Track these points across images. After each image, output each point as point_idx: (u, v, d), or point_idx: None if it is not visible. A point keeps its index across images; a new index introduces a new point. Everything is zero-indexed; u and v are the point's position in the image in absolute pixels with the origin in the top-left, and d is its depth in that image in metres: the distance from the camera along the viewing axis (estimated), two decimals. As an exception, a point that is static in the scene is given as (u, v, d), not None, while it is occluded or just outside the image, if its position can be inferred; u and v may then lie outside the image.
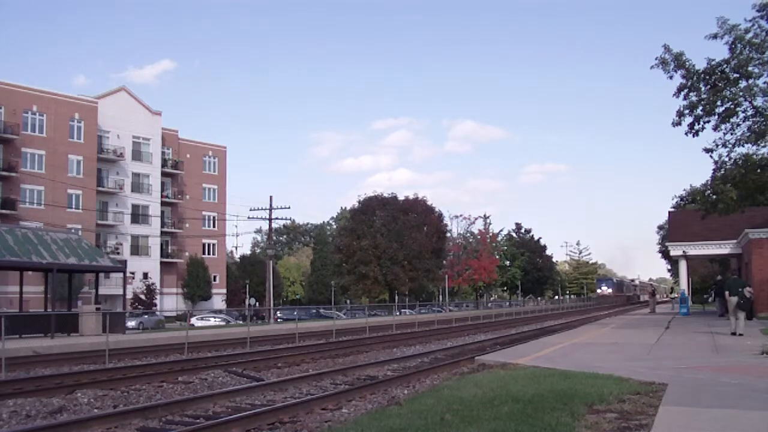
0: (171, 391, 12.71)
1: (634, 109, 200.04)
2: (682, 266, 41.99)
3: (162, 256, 71.33)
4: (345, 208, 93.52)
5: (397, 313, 46.02)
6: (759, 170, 24.58)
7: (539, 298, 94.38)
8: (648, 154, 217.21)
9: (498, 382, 10.15)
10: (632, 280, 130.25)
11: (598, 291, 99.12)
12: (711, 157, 24.92)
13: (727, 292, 19.48)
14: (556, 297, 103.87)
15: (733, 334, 18.75)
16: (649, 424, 6.85)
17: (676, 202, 66.07)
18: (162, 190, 71.76)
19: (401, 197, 69.31)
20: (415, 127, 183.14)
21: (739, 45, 22.78)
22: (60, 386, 12.46)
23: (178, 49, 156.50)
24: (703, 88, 23.79)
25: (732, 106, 23.44)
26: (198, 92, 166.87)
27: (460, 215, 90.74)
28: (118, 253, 62.27)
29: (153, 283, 65.75)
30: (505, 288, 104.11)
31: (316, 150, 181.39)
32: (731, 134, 24.08)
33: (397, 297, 64.52)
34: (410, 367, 15.46)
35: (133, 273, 62.20)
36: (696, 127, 24.16)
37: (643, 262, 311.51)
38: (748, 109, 23.56)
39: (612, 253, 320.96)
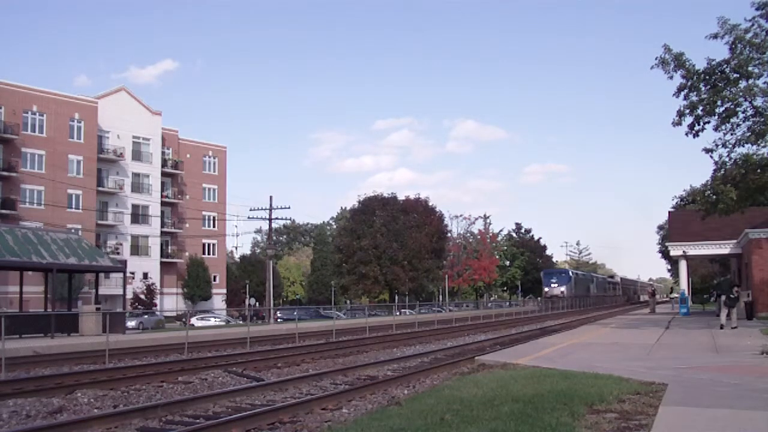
0: (171, 391, 12.71)
1: (634, 109, 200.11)
2: (682, 266, 42.02)
3: (162, 256, 71.36)
4: (345, 208, 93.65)
5: (397, 313, 45.97)
6: (759, 170, 24.51)
7: (539, 298, 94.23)
8: (648, 155, 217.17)
9: (498, 382, 10.15)
10: (611, 277, 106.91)
11: (546, 289, 70.53)
12: (711, 157, 24.85)
13: (716, 291, 23.42)
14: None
15: (722, 327, 21.40)
16: (649, 424, 6.85)
17: (676, 203, 66.09)
18: (162, 190, 71.81)
19: (401, 197, 69.43)
20: (416, 127, 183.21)
21: (739, 45, 22.73)
22: (60, 386, 12.45)
23: (179, 49, 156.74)
24: (703, 89, 23.73)
25: (732, 107, 23.39)
26: (199, 92, 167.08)
27: (461, 215, 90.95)
28: (118, 253, 62.27)
29: (153, 283, 65.75)
30: (505, 288, 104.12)
31: (317, 150, 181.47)
32: (731, 134, 24.01)
33: (397, 297, 64.55)
34: (410, 367, 15.44)
35: (133, 273, 62.27)
36: (696, 127, 24.10)
37: (642, 262, 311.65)
38: (748, 109, 23.50)
39: (607, 252, 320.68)
